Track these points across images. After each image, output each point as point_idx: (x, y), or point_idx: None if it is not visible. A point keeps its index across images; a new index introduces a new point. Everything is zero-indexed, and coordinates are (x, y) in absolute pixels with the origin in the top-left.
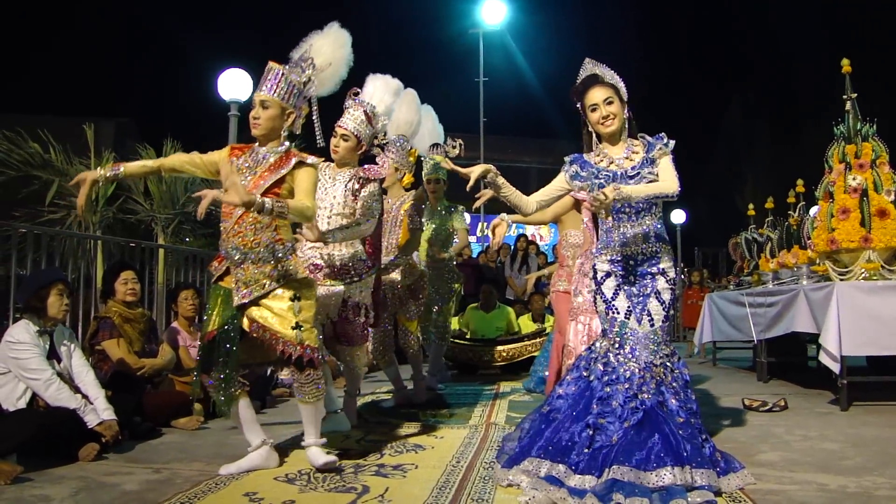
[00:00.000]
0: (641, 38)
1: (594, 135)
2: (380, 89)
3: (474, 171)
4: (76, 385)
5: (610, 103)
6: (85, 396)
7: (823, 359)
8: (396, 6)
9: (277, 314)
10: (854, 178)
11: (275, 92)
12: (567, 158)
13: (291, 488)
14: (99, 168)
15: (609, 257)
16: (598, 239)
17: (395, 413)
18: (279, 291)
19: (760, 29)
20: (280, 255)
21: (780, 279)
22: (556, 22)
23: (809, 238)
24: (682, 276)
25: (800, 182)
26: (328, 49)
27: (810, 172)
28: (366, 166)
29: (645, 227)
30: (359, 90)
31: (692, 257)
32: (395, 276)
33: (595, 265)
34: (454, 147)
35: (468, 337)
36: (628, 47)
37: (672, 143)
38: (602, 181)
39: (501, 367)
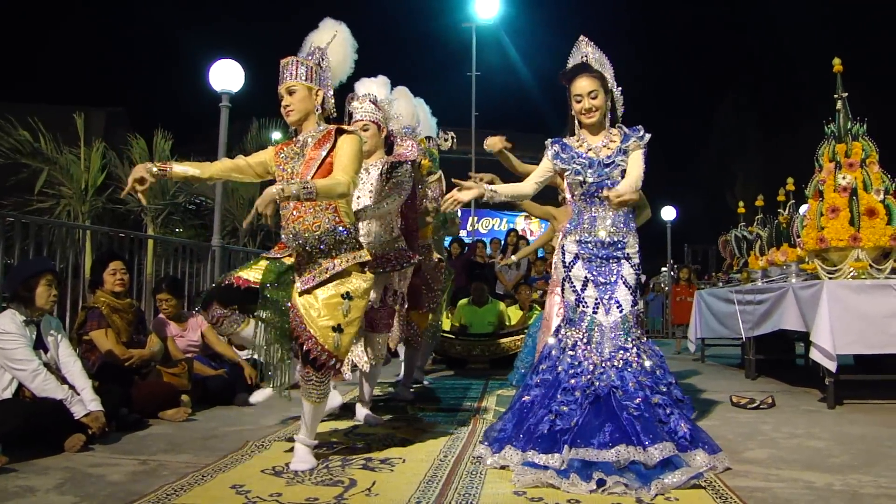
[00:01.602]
0: (634, 35)
1: (576, 119)
2: (371, 88)
3: (470, 193)
4: (63, 375)
5: (594, 97)
6: (72, 387)
7: (815, 356)
8: (390, 1)
9: (324, 308)
10: (844, 177)
11: (296, 77)
12: (548, 141)
13: (278, 481)
14: (151, 164)
15: (577, 238)
16: None
17: (383, 407)
18: (333, 285)
19: (753, 27)
20: (342, 237)
21: (770, 277)
22: (549, 17)
23: (799, 236)
24: (672, 273)
25: (790, 180)
26: (326, 34)
27: (801, 171)
28: (396, 153)
29: (613, 212)
30: (353, 95)
31: (682, 254)
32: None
33: (564, 246)
34: (446, 140)
35: (456, 327)
36: (621, 44)
37: (647, 136)
38: (579, 167)
39: (491, 361)
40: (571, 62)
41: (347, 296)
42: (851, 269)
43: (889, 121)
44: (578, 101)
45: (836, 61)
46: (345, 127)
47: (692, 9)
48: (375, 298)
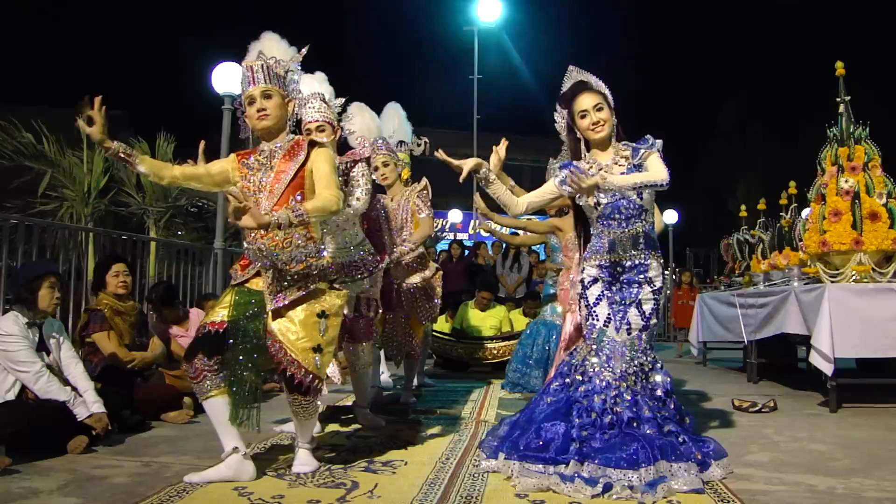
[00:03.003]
0: (636, 38)
1: (582, 141)
2: (314, 85)
3: (466, 164)
4: (65, 377)
5: (600, 109)
6: (74, 389)
7: (814, 360)
8: (392, 3)
9: (301, 329)
10: (846, 181)
11: (271, 81)
12: (557, 164)
13: (281, 483)
14: (120, 144)
15: (598, 262)
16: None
17: (385, 409)
18: (307, 305)
19: (755, 29)
20: (313, 254)
21: (772, 280)
22: (551, 20)
23: (801, 240)
24: (674, 276)
25: (792, 184)
26: (273, 45)
27: (803, 174)
28: (349, 152)
29: (634, 234)
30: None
31: (684, 257)
32: (415, 279)
33: (584, 269)
34: (419, 145)
35: (458, 329)
36: (623, 46)
37: (659, 142)
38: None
39: (492, 364)
40: (565, 88)
41: (323, 314)
42: (854, 272)
43: (891, 123)
44: (584, 117)
45: (839, 65)
46: (316, 139)
47: (694, 13)
48: (350, 309)
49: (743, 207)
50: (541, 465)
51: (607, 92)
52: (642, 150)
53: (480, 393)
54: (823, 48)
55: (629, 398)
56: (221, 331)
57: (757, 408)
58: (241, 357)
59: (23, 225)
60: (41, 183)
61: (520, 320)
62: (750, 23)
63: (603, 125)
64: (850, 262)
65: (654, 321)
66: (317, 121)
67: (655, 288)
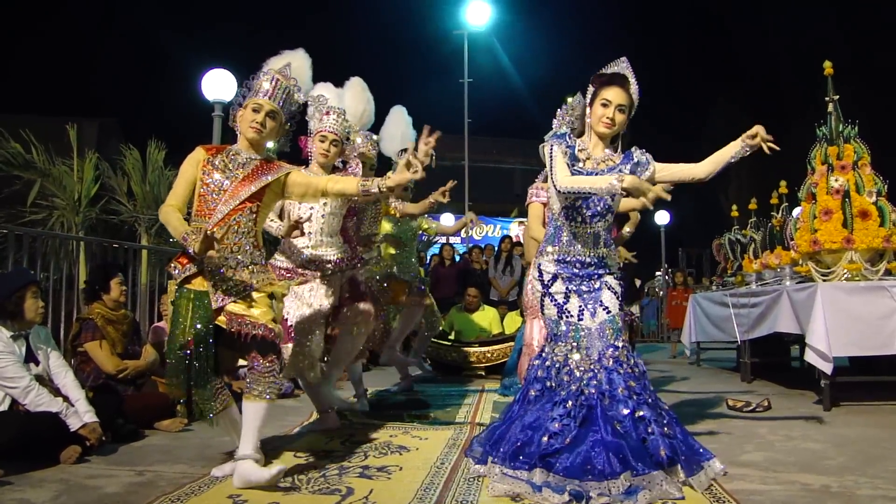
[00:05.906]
0: (627, 37)
1: (589, 126)
2: (335, 99)
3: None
4: (55, 386)
5: (621, 111)
6: (66, 398)
7: (811, 358)
8: (382, 8)
9: (257, 307)
10: (836, 180)
11: (282, 105)
12: (561, 132)
13: (275, 490)
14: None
15: (556, 257)
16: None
17: (380, 414)
18: (256, 293)
19: (746, 28)
20: (257, 260)
21: (764, 280)
22: (540, 24)
23: (792, 239)
24: (666, 277)
25: (783, 183)
26: (303, 69)
27: (794, 174)
28: (344, 169)
29: (597, 231)
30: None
31: (676, 258)
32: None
33: (540, 265)
34: (426, 154)
35: (451, 338)
36: (614, 46)
37: (650, 156)
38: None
39: (485, 368)
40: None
41: (272, 296)
42: (845, 270)
43: (881, 119)
44: (605, 106)
45: (827, 64)
46: (326, 150)
47: (683, 13)
48: (338, 291)
49: (734, 207)
50: (517, 471)
51: (636, 101)
52: (649, 168)
53: (475, 397)
54: (814, 45)
55: (604, 377)
56: (192, 349)
57: (751, 408)
58: (204, 363)
59: (13, 234)
60: (31, 192)
61: (516, 322)
62: (739, 22)
63: (612, 125)
64: (842, 260)
65: (622, 301)
66: (335, 134)
67: (617, 275)
